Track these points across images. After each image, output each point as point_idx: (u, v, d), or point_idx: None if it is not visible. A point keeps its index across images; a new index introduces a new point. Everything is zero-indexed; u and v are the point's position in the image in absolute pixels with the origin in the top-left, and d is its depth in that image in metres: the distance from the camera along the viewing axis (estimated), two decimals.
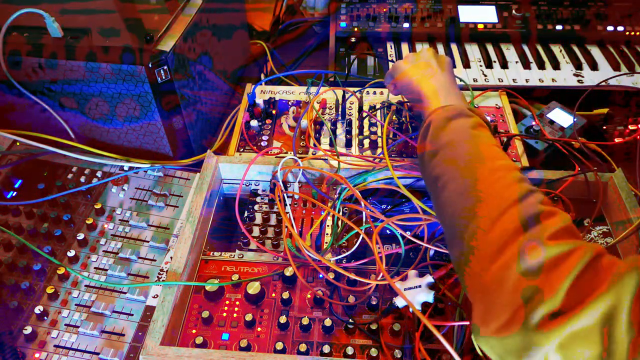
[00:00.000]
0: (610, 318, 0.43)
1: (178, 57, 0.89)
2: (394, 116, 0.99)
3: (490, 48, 1.26)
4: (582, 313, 0.44)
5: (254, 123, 0.98)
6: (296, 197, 0.87)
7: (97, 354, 0.71)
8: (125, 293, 0.78)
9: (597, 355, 0.43)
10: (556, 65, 1.20)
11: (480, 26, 1.28)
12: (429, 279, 0.70)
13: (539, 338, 0.45)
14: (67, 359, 0.71)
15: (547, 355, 0.45)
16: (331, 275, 0.74)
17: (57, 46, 0.87)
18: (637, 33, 1.26)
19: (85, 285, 0.79)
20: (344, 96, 1.03)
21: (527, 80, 1.17)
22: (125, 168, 0.94)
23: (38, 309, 0.74)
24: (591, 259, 0.47)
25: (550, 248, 0.48)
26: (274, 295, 0.74)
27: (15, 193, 0.91)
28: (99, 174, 0.94)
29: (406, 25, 1.29)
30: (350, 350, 0.67)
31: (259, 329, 0.71)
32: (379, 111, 1.02)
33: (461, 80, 1.11)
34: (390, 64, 1.21)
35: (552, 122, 1.05)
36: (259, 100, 1.03)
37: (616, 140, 1.01)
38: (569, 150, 0.94)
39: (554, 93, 1.15)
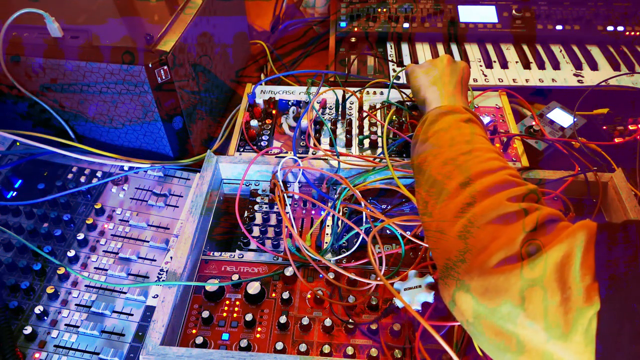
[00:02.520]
0: (564, 265, 0.46)
1: (178, 57, 0.89)
2: (394, 116, 0.99)
3: (490, 48, 1.26)
4: (537, 260, 0.47)
5: (254, 123, 0.98)
6: (296, 197, 0.87)
7: (97, 354, 0.71)
8: (125, 293, 0.78)
9: (557, 303, 0.45)
10: (556, 65, 1.20)
11: (480, 26, 1.28)
12: (429, 279, 0.70)
13: (497, 280, 0.49)
14: (67, 359, 0.71)
15: (510, 305, 0.47)
16: (331, 275, 0.74)
17: (57, 46, 0.87)
18: (637, 33, 1.26)
19: (85, 285, 0.79)
20: (344, 96, 1.03)
21: (527, 80, 1.17)
22: (125, 168, 0.94)
23: (38, 309, 0.74)
24: (548, 218, 0.51)
25: (510, 206, 0.53)
26: (274, 295, 0.74)
27: (15, 193, 0.91)
28: (99, 174, 0.94)
29: (406, 25, 1.29)
30: (350, 350, 0.67)
31: (259, 329, 0.71)
32: (379, 111, 1.02)
33: None
34: (391, 64, 1.21)
35: (552, 122, 1.05)
36: (259, 100, 1.03)
37: (616, 140, 1.01)
38: (569, 150, 0.94)
39: (554, 93, 1.15)
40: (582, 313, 0.44)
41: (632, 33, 1.26)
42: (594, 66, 1.20)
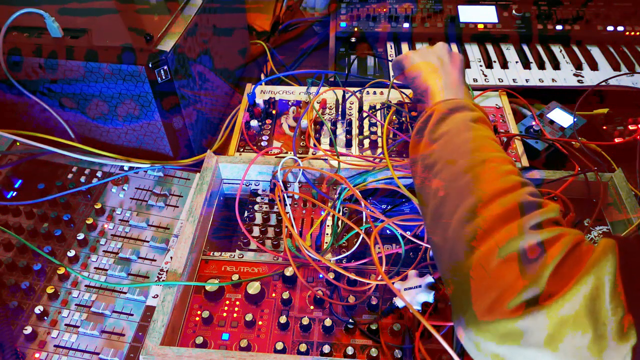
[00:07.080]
0: (594, 299, 0.43)
1: (178, 57, 0.89)
2: (394, 116, 0.99)
3: (490, 48, 1.26)
4: (566, 296, 0.43)
5: (254, 123, 0.98)
6: (296, 197, 0.87)
7: (97, 354, 0.71)
8: (125, 293, 0.78)
9: (590, 341, 0.42)
10: (556, 65, 1.20)
11: (480, 26, 1.28)
12: (429, 279, 0.70)
13: (522, 322, 0.44)
14: (67, 359, 0.71)
15: (536, 348, 0.44)
16: (331, 275, 0.74)
17: (57, 46, 0.87)
18: (637, 33, 1.26)
19: (85, 285, 0.79)
20: (344, 96, 1.03)
21: (527, 80, 1.17)
22: (125, 168, 0.94)
23: (38, 309, 0.74)
24: (572, 246, 0.47)
25: (533, 236, 0.48)
26: (274, 295, 0.74)
27: (15, 193, 0.91)
28: (99, 174, 0.94)
29: (406, 25, 1.29)
30: (350, 350, 0.67)
31: (259, 329, 0.71)
32: (379, 111, 1.02)
33: None
34: (391, 64, 1.21)
35: (552, 122, 1.05)
36: (259, 100, 1.03)
37: (616, 140, 1.01)
38: (569, 150, 0.94)
39: (554, 93, 1.15)
40: (617, 350, 0.41)
41: (632, 33, 1.26)
42: (594, 66, 1.20)
